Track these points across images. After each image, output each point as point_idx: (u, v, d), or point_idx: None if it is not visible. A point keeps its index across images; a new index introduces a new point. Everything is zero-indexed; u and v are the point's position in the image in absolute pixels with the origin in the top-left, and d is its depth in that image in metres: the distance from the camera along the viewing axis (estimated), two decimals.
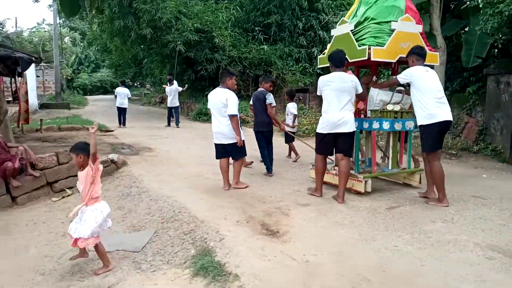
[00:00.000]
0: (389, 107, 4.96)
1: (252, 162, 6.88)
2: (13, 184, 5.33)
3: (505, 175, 6.42)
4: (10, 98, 11.53)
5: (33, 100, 16.40)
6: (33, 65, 16.73)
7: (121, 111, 13.14)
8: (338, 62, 4.64)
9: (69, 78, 40.73)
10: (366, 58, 4.66)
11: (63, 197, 5.63)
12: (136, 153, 8.25)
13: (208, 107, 5.38)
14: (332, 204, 4.60)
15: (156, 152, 8.31)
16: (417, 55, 4.60)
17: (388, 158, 5.33)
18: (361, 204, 4.58)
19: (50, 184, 5.87)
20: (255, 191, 5.23)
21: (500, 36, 7.57)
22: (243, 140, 5.23)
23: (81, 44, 47.34)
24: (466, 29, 8.50)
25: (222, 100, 5.07)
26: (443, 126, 4.41)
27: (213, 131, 5.30)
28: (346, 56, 4.79)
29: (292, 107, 7.60)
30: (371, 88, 5.21)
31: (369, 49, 4.65)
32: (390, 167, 5.27)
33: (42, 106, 18.99)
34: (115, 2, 13.92)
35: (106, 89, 42.62)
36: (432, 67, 5.15)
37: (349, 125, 4.58)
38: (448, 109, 4.46)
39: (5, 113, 6.57)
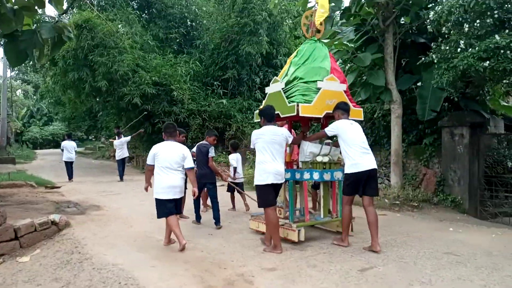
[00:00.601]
0: (319, 159, 5.28)
1: (188, 217, 6.82)
2: None
3: (471, 228, 6.32)
4: None
5: None
6: None
7: (69, 165, 12.82)
8: (269, 117, 4.96)
9: (18, 131, 38.80)
10: (295, 114, 5.02)
11: None
12: (83, 212, 7.49)
13: (151, 163, 5.06)
14: (299, 266, 4.17)
15: (105, 210, 7.60)
16: (342, 110, 5.05)
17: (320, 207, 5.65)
18: (331, 266, 4.19)
19: None
20: (215, 254, 4.71)
21: (454, 90, 7.86)
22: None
23: (34, 97, 45.85)
24: (419, 84, 8.81)
25: (180, 154, 5.02)
26: (367, 174, 4.74)
27: (163, 187, 4.90)
28: (278, 112, 5.19)
29: (232, 159, 7.72)
30: (302, 141, 5.49)
31: (298, 105, 5.02)
32: (322, 216, 5.56)
33: None
34: (70, 54, 13.53)
35: (58, 142, 40.76)
36: (361, 121, 5.75)
37: (283, 176, 4.90)
38: (371, 158, 4.83)
39: None
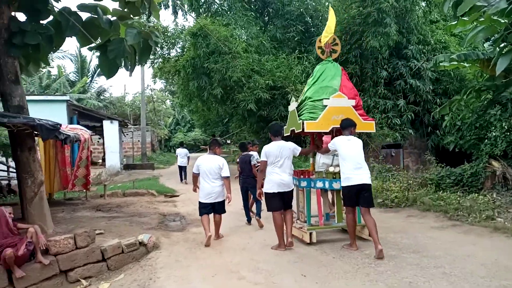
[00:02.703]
0: (331, 169, 5.90)
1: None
2: (16, 274, 4.45)
3: None
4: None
5: (115, 162, 16.89)
6: (116, 128, 17.52)
7: (182, 169, 14.64)
8: (275, 132, 5.70)
9: (166, 138, 43.48)
10: (301, 130, 5.69)
11: None
12: (184, 227, 7.15)
13: (196, 171, 6.20)
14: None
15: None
16: (341, 126, 5.44)
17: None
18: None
19: (65, 272, 4.92)
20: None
21: None
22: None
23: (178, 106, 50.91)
24: None
25: (218, 165, 6.07)
26: (358, 188, 5.09)
27: (205, 193, 6.02)
28: (291, 128, 6.09)
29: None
30: (317, 152, 6.11)
31: (303, 123, 5.63)
32: (336, 221, 5.99)
33: (127, 167, 19.58)
34: (189, 63, 13.88)
35: (199, 147, 44.41)
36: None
37: (290, 185, 5.54)
38: (363, 173, 5.13)
39: (39, 185, 5.98)
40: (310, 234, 5.61)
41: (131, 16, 6.65)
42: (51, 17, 6.04)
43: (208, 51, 13.35)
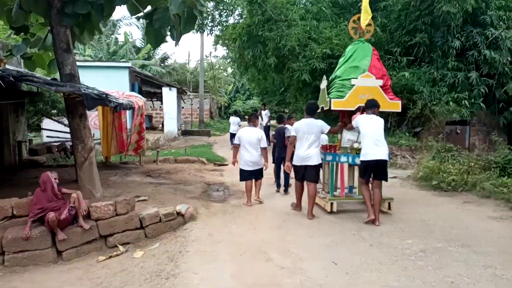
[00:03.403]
0: (355, 145, 6.17)
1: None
2: (58, 236, 4.73)
3: None
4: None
5: (173, 128, 17.42)
6: (174, 95, 17.92)
7: (233, 136, 14.75)
8: (309, 110, 6.10)
9: (226, 105, 44.08)
10: (328, 107, 6.12)
11: (111, 257, 4.78)
12: (225, 199, 7.18)
13: (237, 142, 6.79)
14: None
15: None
16: (365, 106, 5.77)
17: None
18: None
19: (105, 237, 5.15)
20: None
21: None
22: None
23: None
24: None
25: (257, 137, 6.62)
26: (375, 163, 5.50)
27: (245, 161, 6.63)
28: (321, 105, 6.44)
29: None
30: (344, 129, 6.43)
31: (330, 101, 6.03)
32: (357, 194, 6.39)
33: (185, 133, 20.16)
34: (244, 31, 13.58)
35: (256, 115, 44.40)
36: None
37: (313, 159, 5.90)
38: (381, 150, 5.51)
39: (89, 150, 6.25)
40: (332, 204, 6.09)
41: None
42: None
43: (264, 18, 12.91)
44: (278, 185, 7.92)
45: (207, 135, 20.48)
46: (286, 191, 7.73)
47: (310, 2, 14.20)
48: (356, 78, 5.99)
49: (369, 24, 6.50)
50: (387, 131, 13.56)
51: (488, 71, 12.65)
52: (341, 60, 6.55)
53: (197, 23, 19.80)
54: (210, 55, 39.33)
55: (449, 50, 12.81)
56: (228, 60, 46.74)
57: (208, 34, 17.82)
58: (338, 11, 15.19)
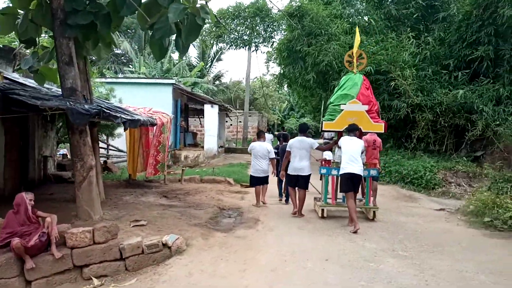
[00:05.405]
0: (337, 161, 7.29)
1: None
2: (26, 265, 4.27)
3: None
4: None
5: (213, 145, 17.08)
6: (216, 112, 17.62)
7: None
8: (301, 129, 7.60)
9: (279, 123, 43.49)
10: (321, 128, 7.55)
11: None
12: (232, 228, 6.40)
13: (251, 152, 8.16)
14: None
15: (255, 230, 6.24)
16: (346, 130, 6.84)
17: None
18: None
19: (80, 267, 4.61)
20: None
21: None
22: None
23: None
24: None
25: (267, 149, 7.98)
26: (348, 177, 6.40)
27: (256, 169, 7.98)
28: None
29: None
30: (336, 147, 7.39)
31: (322, 123, 7.38)
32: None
33: (227, 150, 19.79)
34: (284, 46, 12.93)
35: (310, 133, 43.28)
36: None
37: (305, 170, 7.16)
38: (356, 166, 6.39)
39: (89, 169, 5.86)
40: (322, 210, 7.12)
41: None
42: None
43: (304, 33, 12.17)
44: (280, 195, 8.85)
45: (248, 153, 19.93)
46: (287, 201, 8.38)
47: (358, 13, 13.18)
48: (345, 104, 6.98)
49: (362, 57, 7.63)
50: (443, 154, 12.05)
51: None
52: (336, 88, 7.63)
53: (244, 39, 19.65)
54: (267, 71, 39.10)
55: None
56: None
57: (253, 51, 17.41)
58: (391, 23, 14.03)
